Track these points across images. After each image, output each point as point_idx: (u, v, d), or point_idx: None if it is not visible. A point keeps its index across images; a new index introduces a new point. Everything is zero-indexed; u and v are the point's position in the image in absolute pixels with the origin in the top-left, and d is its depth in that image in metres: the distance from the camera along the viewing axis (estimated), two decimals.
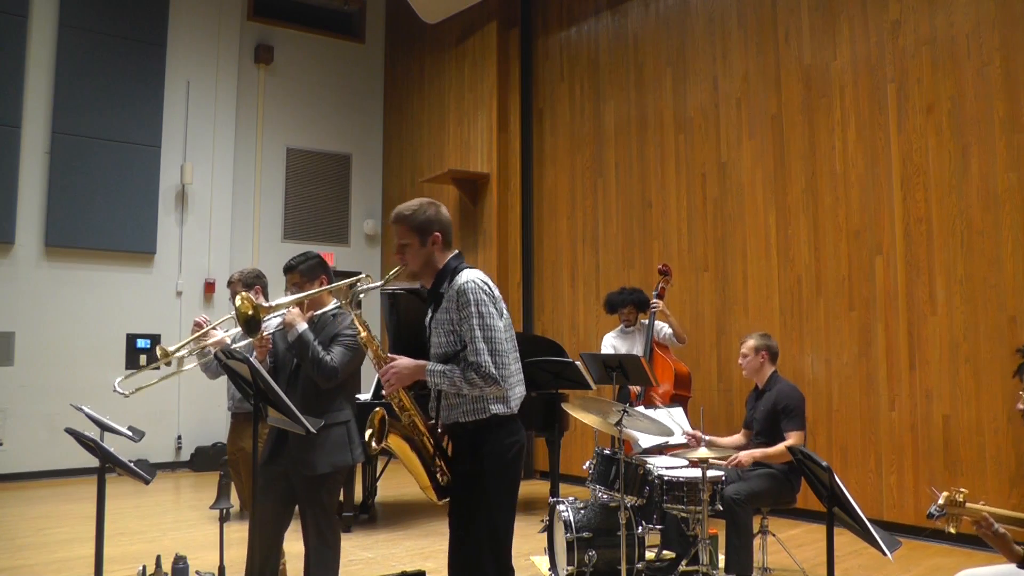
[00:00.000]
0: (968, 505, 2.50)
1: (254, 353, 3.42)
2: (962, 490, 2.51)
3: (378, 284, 2.97)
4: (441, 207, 2.88)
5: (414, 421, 2.83)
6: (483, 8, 9.17)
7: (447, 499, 2.84)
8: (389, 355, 2.81)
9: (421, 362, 2.75)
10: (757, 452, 4.33)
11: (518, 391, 2.81)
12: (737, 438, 4.72)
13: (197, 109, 9.50)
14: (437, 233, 2.80)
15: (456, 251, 2.89)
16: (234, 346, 3.93)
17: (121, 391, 3.88)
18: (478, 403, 2.72)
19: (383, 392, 2.81)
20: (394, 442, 2.78)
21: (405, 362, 2.75)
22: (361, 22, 11.10)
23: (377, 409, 2.82)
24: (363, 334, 2.87)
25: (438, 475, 2.83)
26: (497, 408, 2.73)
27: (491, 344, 2.67)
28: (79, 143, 8.64)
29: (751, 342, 4.61)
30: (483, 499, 2.73)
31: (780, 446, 4.29)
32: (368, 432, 2.81)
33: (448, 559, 2.84)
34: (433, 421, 2.86)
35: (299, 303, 3.32)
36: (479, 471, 2.73)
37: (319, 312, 3.43)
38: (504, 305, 2.83)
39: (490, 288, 2.77)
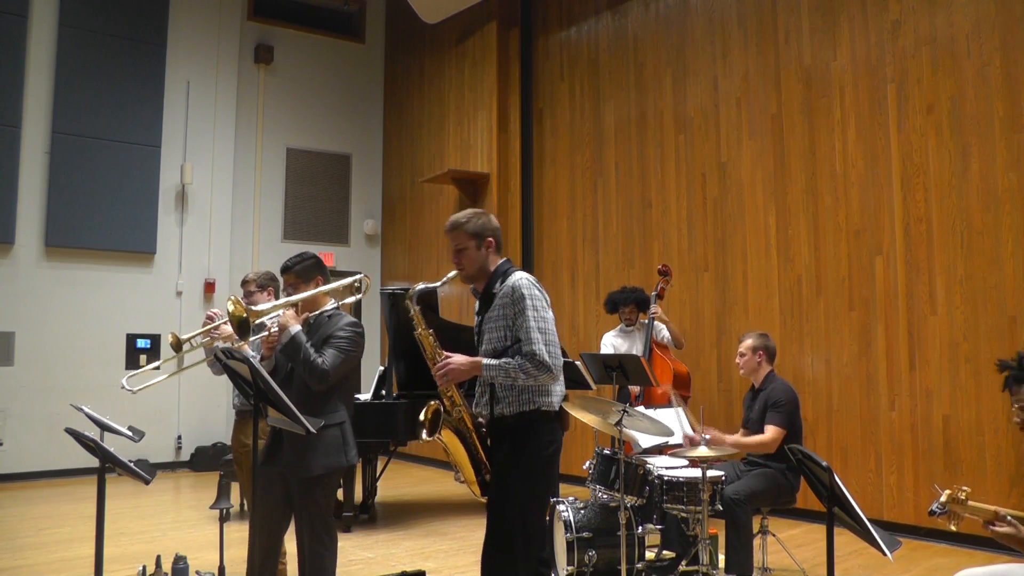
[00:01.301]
0: (971, 503, 2.50)
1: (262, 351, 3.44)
2: (965, 488, 2.50)
3: (436, 285, 3.15)
4: (491, 216, 3.12)
5: (463, 417, 3.00)
6: (483, 8, 9.16)
7: (487, 496, 3.01)
8: (444, 352, 2.97)
9: (476, 358, 2.93)
10: (731, 438, 4.39)
11: (559, 388, 2.99)
12: (736, 438, 4.71)
13: (197, 109, 9.50)
14: (491, 238, 3.04)
15: (506, 257, 3.12)
16: (254, 339, 3.94)
17: (129, 388, 3.92)
18: (524, 395, 2.90)
19: (439, 387, 2.98)
20: (446, 435, 2.96)
21: (461, 359, 2.92)
22: (361, 22, 11.10)
23: (432, 402, 2.99)
24: (419, 330, 3.03)
25: (484, 471, 3.00)
26: (542, 401, 2.91)
27: (545, 335, 2.87)
28: (79, 143, 8.64)
29: (748, 341, 4.62)
30: (517, 492, 2.88)
31: (757, 436, 4.32)
32: (421, 421, 2.99)
33: (482, 552, 2.96)
34: (481, 419, 3.04)
35: (294, 304, 3.32)
36: (517, 464, 2.89)
37: (315, 313, 3.42)
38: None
39: (540, 287, 2.98)
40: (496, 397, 2.93)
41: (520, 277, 2.95)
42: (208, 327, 4.08)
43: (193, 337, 4.10)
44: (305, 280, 3.41)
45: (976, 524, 2.55)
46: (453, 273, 3.06)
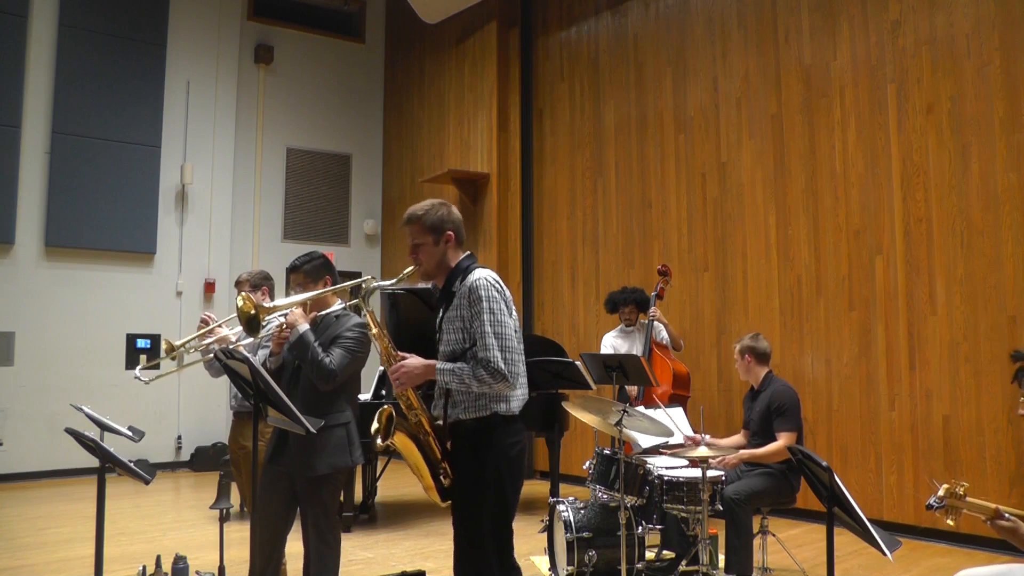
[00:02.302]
0: (969, 499, 2.49)
1: (269, 348, 3.44)
2: (963, 483, 2.50)
3: (390, 283, 3.00)
4: (452, 207, 2.92)
5: (420, 420, 2.84)
6: (483, 8, 9.17)
7: (449, 501, 2.86)
8: (399, 353, 2.82)
9: (431, 361, 2.77)
10: (745, 453, 4.34)
11: (520, 393, 2.82)
12: (737, 438, 4.72)
13: (197, 109, 9.50)
14: (450, 232, 2.85)
15: (468, 251, 2.94)
16: (249, 340, 3.94)
17: (142, 378, 4.01)
18: (480, 400, 2.75)
19: (393, 391, 2.82)
20: (400, 441, 2.80)
21: (415, 361, 2.77)
22: (361, 22, 11.10)
23: (385, 406, 2.85)
24: (374, 330, 2.89)
25: (442, 476, 2.84)
26: (499, 407, 2.75)
27: (501, 340, 2.70)
28: (79, 143, 8.64)
29: (736, 346, 4.68)
30: (484, 499, 2.74)
31: (770, 446, 4.31)
32: (374, 428, 2.83)
33: (453, 559, 2.85)
34: (440, 422, 2.87)
35: (302, 304, 3.32)
36: (480, 470, 2.75)
37: (323, 313, 3.42)
38: (514, 306, 2.85)
39: (501, 287, 2.80)
40: (452, 401, 2.79)
41: (479, 276, 2.76)
42: (202, 331, 4.06)
43: (188, 342, 4.08)
44: (314, 280, 3.41)
45: (976, 523, 2.56)
46: (410, 269, 2.89)
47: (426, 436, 2.84)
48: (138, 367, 4.14)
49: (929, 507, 2.51)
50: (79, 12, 8.70)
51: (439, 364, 2.75)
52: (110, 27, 8.87)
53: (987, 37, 5.36)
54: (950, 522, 2.51)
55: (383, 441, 2.79)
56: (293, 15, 10.52)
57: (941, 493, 2.49)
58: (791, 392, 4.47)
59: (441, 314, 2.88)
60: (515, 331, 2.78)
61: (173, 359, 4.03)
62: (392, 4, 11.02)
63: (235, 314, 4.23)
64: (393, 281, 2.95)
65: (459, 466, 2.82)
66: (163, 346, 4.02)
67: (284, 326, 3.35)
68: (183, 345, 4.05)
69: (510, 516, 2.81)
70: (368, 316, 2.92)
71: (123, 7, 8.96)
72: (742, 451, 4.37)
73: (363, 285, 2.92)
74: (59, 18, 8.63)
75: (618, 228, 7.85)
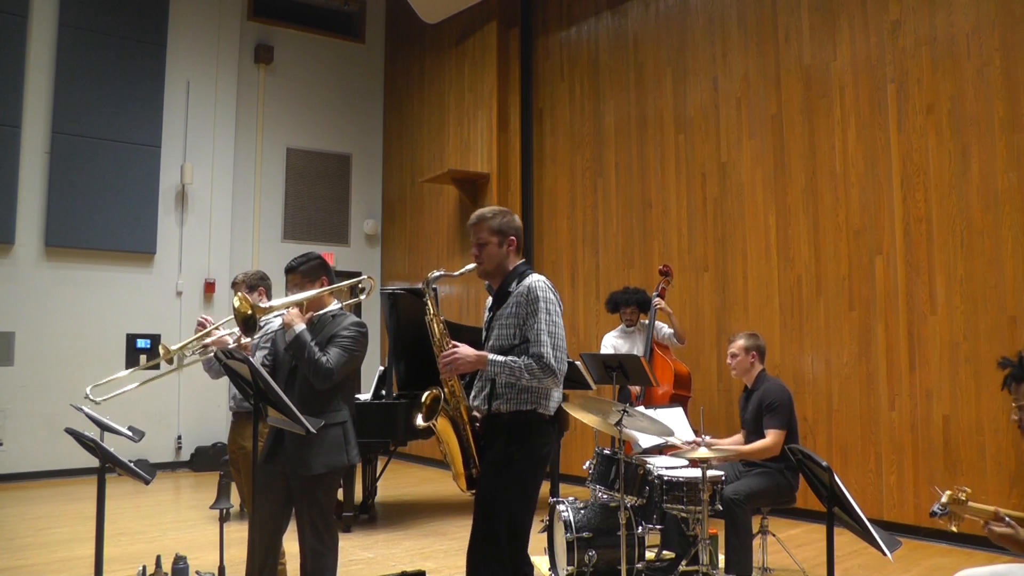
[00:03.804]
0: (971, 504, 2.49)
1: (268, 348, 3.44)
2: (965, 489, 2.50)
3: (454, 275, 3.17)
4: (516, 216, 3.13)
5: (460, 409, 2.99)
6: (483, 8, 9.17)
7: (473, 490, 3.00)
8: (452, 341, 2.96)
9: (483, 352, 2.92)
10: (733, 449, 4.34)
11: (557, 395, 2.99)
12: (737, 438, 4.71)
13: (197, 109, 9.50)
14: (513, 237, 3.06)
15: (524, 259, 3.13)
16: (247, 341, 3.91)
17: (93, 398, 3.67)
18: (523, 395, 2.91)
19: (441, 377, 2.96)
20: (441, 424, 2.95)
21: (468, 350, 2.91)
22: (361, 22, 11.10)
23: (433, 389, 3.00)
24: (431, 314, 3.03)
25: (472, 466, 2.98)
26: (539, 404, 2.91)
27: (554, 339, 2.88)
28: (79, 143, 8.64)
29: (741, 342, 4.57)
30: (506, 491, 2.88)
31: (756, 444, 4.31)
32: (419, 406, 2.99)
33: (468, 547, 2.95)
34: (476, 413, 3.02)
35: (298, 304, 3.33)
36: (510, 462, 2.89)
37: (319, 313, 3.43)
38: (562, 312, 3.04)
39: (555, 292, 2.99)
40: (495, 393, 2.93)
41: (538, 279, 2.96)
42: (200, 334, 4.03)
43: (186, 346, 4.04)
44: (310, 280, 3.42)
45: (976, 524, 2.55)
46: (471, 266, 3.08)
47: (464, 424, 2.99)
48: (88, 387, 3.72)
49: (933, 515, 2.51)
50: (79, 12, 8.70)
51: (491, 356, 2.89)
52: (110, 27, 8.87)
53: (987, 37, 5.36)
54: (953, 528, 2.51)
55: (424, 421, 2.95)
56: (293, 15, 10.52)
57: (944, 500, 2.49)
58: (783, 390, 4.45)
59: (491, 312, 3.06)
60: (563, 336, 2.95)
61: (170, 363, 3.96)
62: (392, 4, 11.02)
63: (231, 317, 4.23)
64: (456, 273, 3.15)
65: (489, 457, 2.95)
66: (160, 351, 3.95)
67: (267, 332, 3.36)
68: (180, 349, 4.01)
69: (528, 513, 2.94)
70: (429, 300, 3.05)
71: (123, 7, 8.96)
72: (731, 447, 4.38)
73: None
74: (59, 18, 8.63)
75: (618, 228, 7.85)
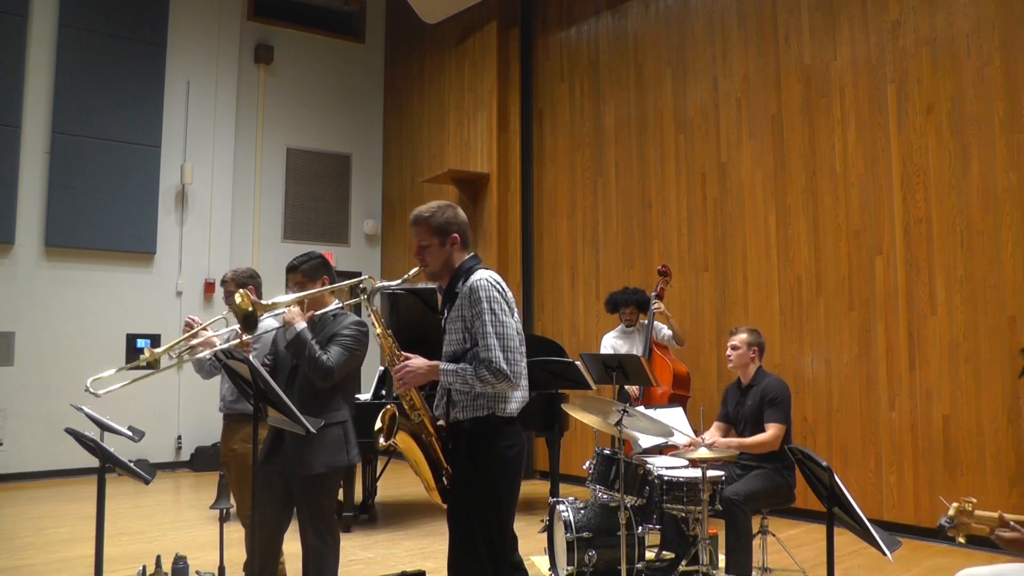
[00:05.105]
0: (977, 513, 2.49)
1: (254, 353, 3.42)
2: (971, 499, 2.49)
3: (395, 283, 3.01)
4: (458, 209, 2.94)
5: (423, 421, 2.86)
6: (483, 8, 9.17)
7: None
8: (403, 354, 2.84)
9: (435, 362, 2.79)
10: (734, 441, 4.33)
11: (519, 395, 2.84)
12: (712, 431, 4.64)
13: (197, 109, 9.50)
14: (456, 234, 2.88)
15: (472, 252, 2.96)
16: (237, 341, 3.88)
17: (93, 391, 3.67)
18: (478, 400, 2.77)
19: (395, 391, 2.84)
20: (402, 440, 2.82)
21: (419, 361, 2.79)
22: (361, 22, 11.10)
23: (388, 406, 2.87)
24: (378, 330, 2.90)
25: (444, 477, 2.86)
26: (497, 408, 2.77)
27: (502, 340, 2.72)
28: (79, 143, 8.64)
29: (744, 336, 4.53)
30: (479, 499, 2.76)
31: (757, 437, 4.29)
32: (377, 427, 2.84)
33: (447, 559, 2.86)
34: (441, 422, 2.89)
35: (299, 302, 3.32)
36: (474, 471, 2.77)
37: (320, 312, 3.43)
38: (515, 307, 2.87)
39: (502, 287, 2.83)
40: (452, 402, 2.81)
41: (480, 277, 2.78)
42: (187, 335, 4.00)
43: (173, 347, 3.99)
44: (311, 279, 3.42)
45: (976, 525, 2.55)
46: (415, 270, 2.92)
47: (428, 437, 2.86)
48: (89, 379, 3.72)
49: (941, 528, 2.51)
50: (79, 12, 8.70)
51: (442, 365, 2.76)
52: (110, 27, 8.87)
53: (987, 37, 5.36)
54: (961, 540, 2.50)
55: (385, 441, 2.80)
56: (293, 15, 10.52)
57: (952, 513, 2.49)
58: (784, 385, 4.44)
59: (444, 315, 2.90)
60: (516, 331, 2.79)
61: (152, 366, 3.86)
62: (392, 4, 11.02)
63: (219, 317, 4.22)
64: (397, 282, 2.98)
65: (456, 466, 2.84)
66: (146, 353, 3.86)
67: (264, 331, 3.34)
68: (167, 351, 3.95)
69: (504, 518, 2.81)
70: (372, 316, 2.92)
71: (123, 7, 8.96)
72: (731, 439, 4.37)
73: (363, 285, 2.92)
74: (59, 18, 8.63)
75: (618, 228, 7.85)
